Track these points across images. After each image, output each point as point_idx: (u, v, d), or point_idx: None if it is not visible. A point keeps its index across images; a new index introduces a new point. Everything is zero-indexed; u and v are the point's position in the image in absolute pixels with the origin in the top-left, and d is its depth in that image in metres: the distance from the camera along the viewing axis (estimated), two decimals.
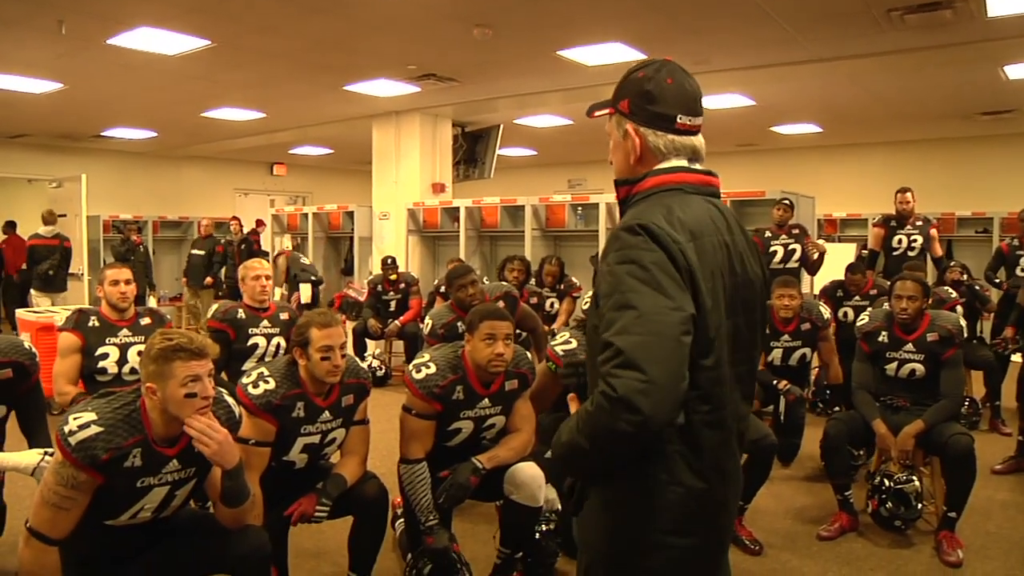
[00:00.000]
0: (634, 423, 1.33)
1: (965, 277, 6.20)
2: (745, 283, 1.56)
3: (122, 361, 3.88)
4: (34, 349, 3.14)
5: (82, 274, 9.65)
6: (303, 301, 8.65)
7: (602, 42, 6.55)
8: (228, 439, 2.29)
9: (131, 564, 2.35)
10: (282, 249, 10.21)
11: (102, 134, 11.61)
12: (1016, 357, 6.13)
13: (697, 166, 1.58)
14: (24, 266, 9.82)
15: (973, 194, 10.51)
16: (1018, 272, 6.34)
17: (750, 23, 5.98)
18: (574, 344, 3.37)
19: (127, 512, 2.27)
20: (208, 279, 10.83)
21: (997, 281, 6.53)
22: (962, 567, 3.53)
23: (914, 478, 3.77)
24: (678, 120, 1.55)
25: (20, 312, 7.03)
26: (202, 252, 10.95)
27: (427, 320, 4.85)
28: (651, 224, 1.43)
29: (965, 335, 3.97)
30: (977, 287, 6.20)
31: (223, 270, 11.06)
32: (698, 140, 1.59)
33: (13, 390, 3.03)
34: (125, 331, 3.94)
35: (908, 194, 6.59)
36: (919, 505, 3.74)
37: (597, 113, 1.65)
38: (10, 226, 11.39)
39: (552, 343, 3.43)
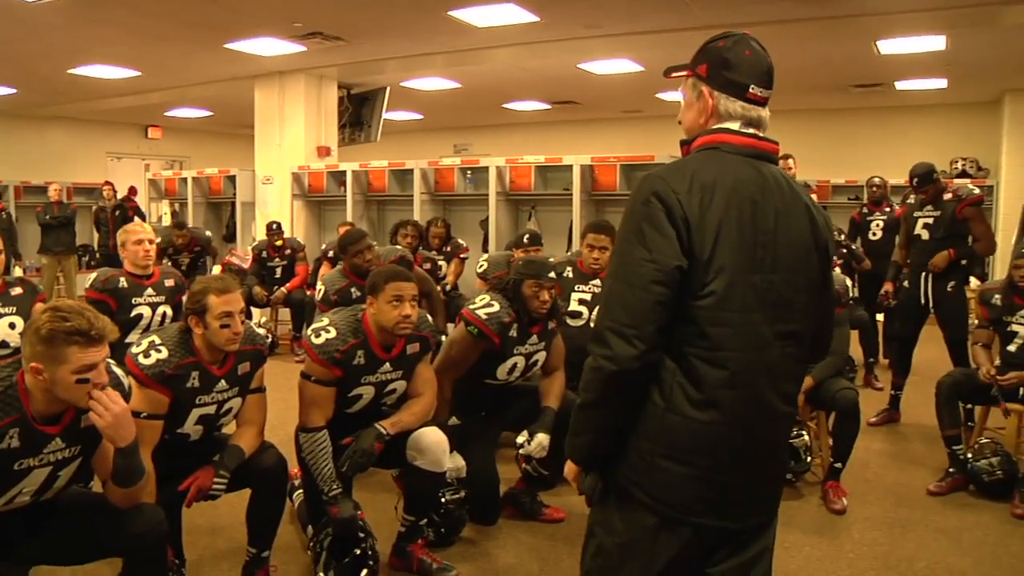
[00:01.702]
0: (606, 357, 1.54)
1: (843, 238, 6.47)
2: (782, 243, 1.62)
3: None
4: None
5: None
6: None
7: (494, 3, 6.47)
8: (126, 413, 2.14)
9: (12, 553, 2.18)
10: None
11: None
12: (880, 315, 6.48)
13: (749, 130, 1.67)
14: None
15: (846, 163, 10.97)
16: (870, 237, 6.64)
17: None
18: (497, 307, 3.32)
19: (2, 498, 2.09)
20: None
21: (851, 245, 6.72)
22: (846, 513, 3.74)
23: (803, 433, 3.93)
24: (750, 90, 1.67)
25: None
26: (64, 216, 10.17)
27: (319, 286, 4.71)
28: (653, 177, 1.60)
29: (852, 295, 4.14)
30: (853, 247, 6.48)
31: (96, 238, 10.45)
32: (764, 111, 1.69)
33: None
34: None
35: (790, 161, 6.77)
36: (808, 458, 3.92)
37: (675, 74, 1.78)
38: None
39: (471, 306, 3.36)
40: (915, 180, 5.00)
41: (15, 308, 3.64)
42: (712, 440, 1.58)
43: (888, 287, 5.31)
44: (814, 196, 6.21)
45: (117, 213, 10.65)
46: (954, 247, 4.90)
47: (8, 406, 2.03)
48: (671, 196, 1.55)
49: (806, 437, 3.93)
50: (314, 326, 2.98)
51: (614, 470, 1.66)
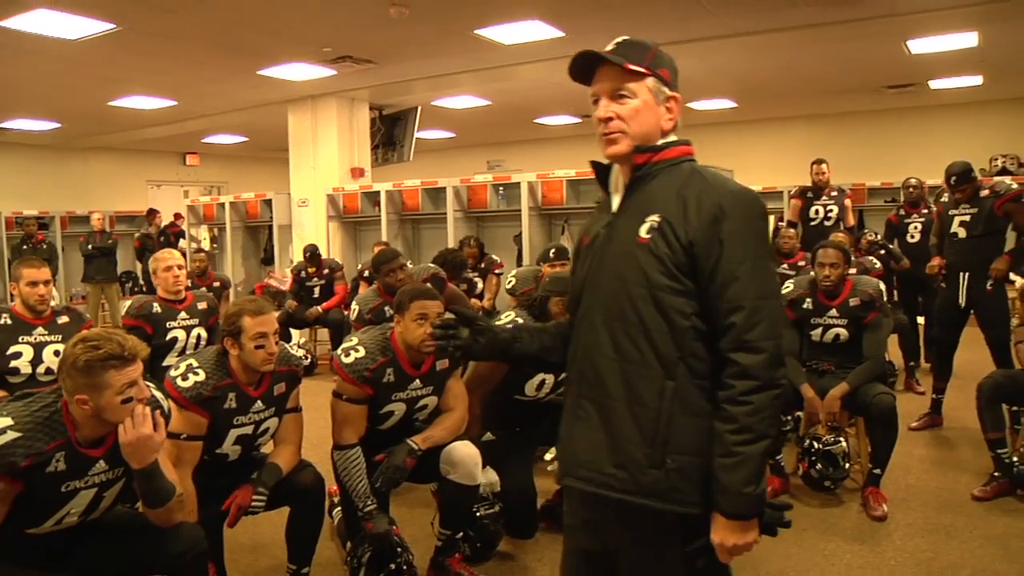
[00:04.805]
0: (784, 376, 1.55)
1: (880, 238, 6.39)
2: None
3: (36, 361, 3.67)
4: None
5: None
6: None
7: (519, 20, 6.53)
8: (151, 439, 2.16)
9: (59, 571, 2.24)
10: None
11: (0, 126, 11.06)
12: (921, 319, 6.36)
13: None
14: None
15: (881, 165, 10.84)
16: (908, 240, 6.54)
17: None
18: (521, 323, 3.35)
19: (52, 518, 2.16)
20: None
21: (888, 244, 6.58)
22: (887, 520, 3.68)
23: (841, 439, 3.90)
24: None
25: None
26: (105, 246, 10.44)
27: (353, 306, 4.77)
28: (754, 193, 1.61)
29: (885, 299, 4.09)
30: (891, 247, 6.39)
31: (139, 266, 10.72)
32: None
33: None
34: (40, 329, 3.72)
35: (823, 165, 6.74)
36: (846, 465, 3.88)
37: (631, 66, 1.61)
38: None
39: (497, 322, 3.39)
40: (952, 179, 4.91)
41: (61, 336, 3.73)
42: None
43: (936, 261, 5.12)
44: (849, 201, 6.25)
45: (162, 240, 10.90)
46: (992, 245, 4.82)
47: (54, 431, 2.10)
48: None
49: (844, 443, 3.88)
50: (343, 346, 3.02)
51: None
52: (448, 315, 1.94)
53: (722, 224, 1.54)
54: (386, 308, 4.54)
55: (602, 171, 1.76)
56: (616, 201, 1.70)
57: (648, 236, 1.58)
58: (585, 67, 1.67)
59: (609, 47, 1.65)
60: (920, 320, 6.44)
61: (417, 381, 3.06)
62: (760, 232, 1.58)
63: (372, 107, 10.08)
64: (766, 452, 1.52)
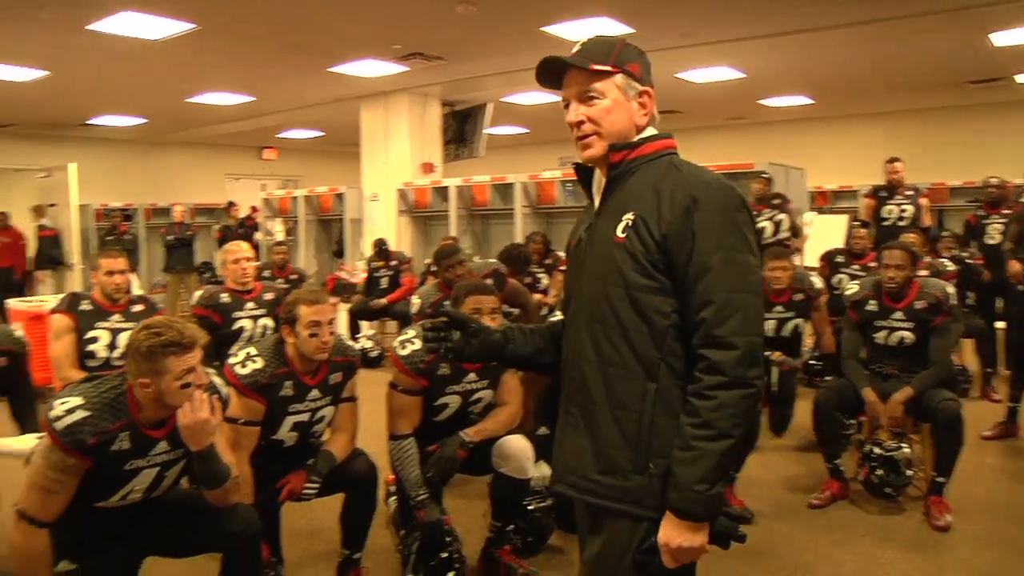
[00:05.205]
0: (759, 376, 1.48)
1: (954, 251, 6.16)
2: None
3: (112, 346, 3.86)
4: (26, 338, 3.24)
5: (73, 264, 9.65)
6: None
7: (587, 17, 6.52)
8: (207, 423, 2.25)
9: (123, 544, 2.36)
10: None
11: (89, 122, 11.55)
12: (1000, 324, 6.12)
13: None
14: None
15: (964, 164, 10.47)
16: (987, 241, 6.30)
17: None
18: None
19: (117, 494, 2.27)
20: None
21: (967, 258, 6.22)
22: (950, 530, 3.56)
23: (904, 445, 3.80)
24: None
25: (11, 302, 7.02)
26: (184, 237, 10.81)
27: (415, 299, 4.86)
28: (730, 186, 1.55)
29: (954, 302, 3.97)
30: (968, 260, 6.14)
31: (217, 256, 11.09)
32: None
33: (11, 377, 3.16)
34: (117, 316, 3.92)
35: (897, 164, 6.56)
36: (909, 472, 3.78)
37: (596, 67, 1.58)
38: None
39: (553, 318, 3.41)
40: None
41: (135, 324, 3.88)
42: None
43: (1018, 268, 4.87)
44: (925, 200, 6.04)
45: (241, 231, 11.24)
46: None
47: (119, 412, 2.21)
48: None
49: (906, 450, 3.78)
50: (400, 338, 3.08)
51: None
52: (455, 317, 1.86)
53: (695, 215, 1.49)
54: (446, 303, 4.60)
55: (586, 174, 1.73)
56: (598, 202, 1.68)
57: (624, 235, 1.55)
58: (553, 74, 1.64)
59: (575, 49, 1.63)
60: (999, 325, 6.21)
61: (472, 375, 3.10)
62: (736, 223, 1.51)
63: (444, 103, 10.19)
64: (728, 453, 1.46)
